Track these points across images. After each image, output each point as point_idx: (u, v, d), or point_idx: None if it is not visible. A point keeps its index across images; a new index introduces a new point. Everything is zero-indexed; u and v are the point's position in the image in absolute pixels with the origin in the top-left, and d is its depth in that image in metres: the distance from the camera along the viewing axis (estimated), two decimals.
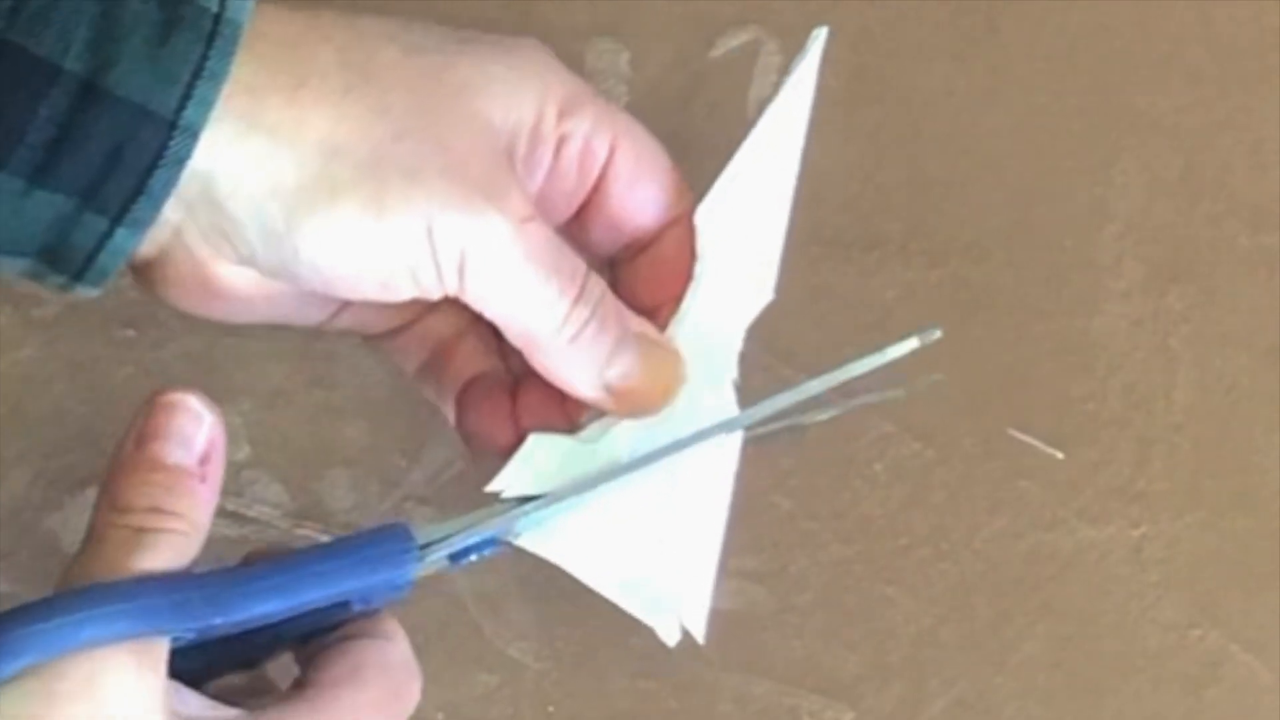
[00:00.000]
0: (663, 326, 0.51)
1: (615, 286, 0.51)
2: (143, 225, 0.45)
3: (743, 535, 0.63)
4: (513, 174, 0.48)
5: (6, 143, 0.43)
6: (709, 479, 0.51)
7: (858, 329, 0.63)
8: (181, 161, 0.44)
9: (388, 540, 0.46)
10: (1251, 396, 0.66)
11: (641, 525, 0.50)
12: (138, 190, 0.44)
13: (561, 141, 0.49)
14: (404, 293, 0.47)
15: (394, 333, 0.53)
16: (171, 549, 0.44)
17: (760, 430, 0.51)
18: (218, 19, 0.44)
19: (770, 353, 0.62)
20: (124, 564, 0.43)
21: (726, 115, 0.65)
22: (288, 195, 0.45)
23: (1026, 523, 0.65)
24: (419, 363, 0.53)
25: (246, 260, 0.46)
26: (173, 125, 0.44)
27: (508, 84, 0.48)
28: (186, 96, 0.44)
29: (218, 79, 0.44)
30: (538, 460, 0.49)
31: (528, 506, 0.49)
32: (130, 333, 0.63)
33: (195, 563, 0.45)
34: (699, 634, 0.50)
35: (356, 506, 0.64)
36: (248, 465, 0.62)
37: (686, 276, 0.51)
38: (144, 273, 0.47)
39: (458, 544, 0.48)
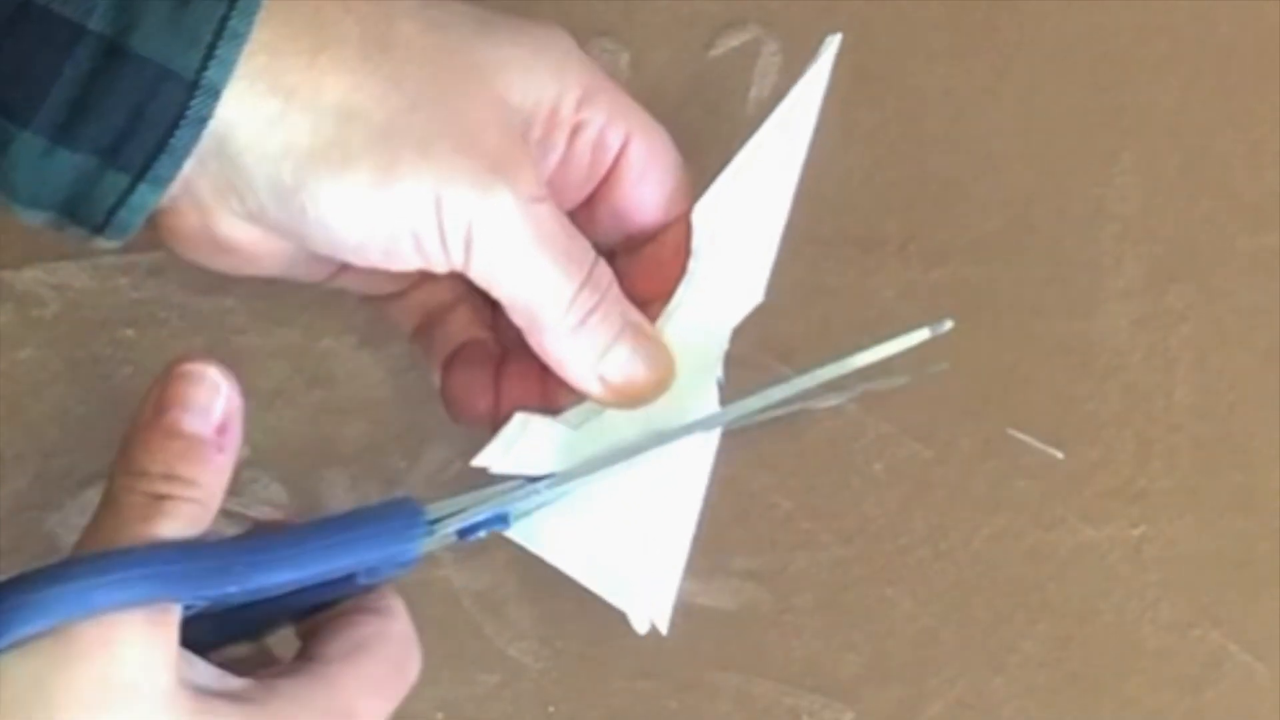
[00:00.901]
0: (652, 320, 0.51)
1: None
2: (164, 182, 0.45)
3: (743, 535, 0.63)
4: (526, 153, 0.48)
5: (30, 102, 0.44)
6: (684, 475, 0.51)
7: (857, 329, 0.63)
8: (203, 120, 0.45)
9: (397, 515, 0.47)
10: (1251, 396, 0.66)
11: (617, 515, 0.51)
12: (159, 149, 0.45)
13: (576, 129, 0.49)
14: (408, 262, 0.47)
15: (392, 296, 0.53)
16: (186, 517, 0.44)
17: (766, 416, 0.52)
18: None
19: (768, 352, 0.62)
20: (139, 531, 0.43)
21: (726, 115, 0.65)
22: (300, 156, 0.45)
23: (1026, 522, 0.65)
24: (413, 326, 0.53)
25: (254, 216, 0.47)
26: (194, 85, 0.44)
27: (526, 66, 0.48)
28: (209, 57, 0.44)
29: (239, 39, 0.44)
30: (523, 440, 0.50)
31: (535, 485, 0.49)
32: (130, 333, 0.63)
33: (206, 535, 0.45)
34: (663, 625, 0.51)
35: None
36: (247, 465, 0.62)
37: (682, 273, 0.52)
38: (151, 222, 0.47)
39: (466, 520, 0.48)
